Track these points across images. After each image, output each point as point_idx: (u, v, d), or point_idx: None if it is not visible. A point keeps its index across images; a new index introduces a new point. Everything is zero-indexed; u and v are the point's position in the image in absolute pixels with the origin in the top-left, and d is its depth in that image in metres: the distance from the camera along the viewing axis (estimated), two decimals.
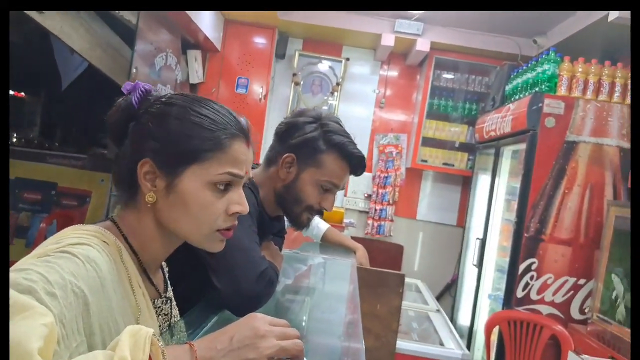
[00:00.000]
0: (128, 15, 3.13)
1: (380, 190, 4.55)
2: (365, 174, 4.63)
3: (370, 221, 4.56)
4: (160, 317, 0.83)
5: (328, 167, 1.27)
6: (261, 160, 1.40)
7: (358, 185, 4.67)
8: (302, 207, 1.29)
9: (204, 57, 4.25)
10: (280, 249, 1.47)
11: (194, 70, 4.10)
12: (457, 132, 4.44)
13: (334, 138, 1.28)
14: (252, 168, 1.37)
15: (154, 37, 3.37)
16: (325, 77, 4.68)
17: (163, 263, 0.92)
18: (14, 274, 0.56)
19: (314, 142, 1.27)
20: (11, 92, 9.96)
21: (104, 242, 0.71)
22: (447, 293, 4.54)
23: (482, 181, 3.99)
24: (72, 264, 0.62)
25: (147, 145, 0.76)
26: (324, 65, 4.67)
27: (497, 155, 3.55)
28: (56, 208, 4.62)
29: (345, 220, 3.44)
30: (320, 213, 1.33)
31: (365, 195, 4.66)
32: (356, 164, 1.31)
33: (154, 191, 0.75)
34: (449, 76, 4.48)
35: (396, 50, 4.41)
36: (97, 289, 0.64)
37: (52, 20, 2.80)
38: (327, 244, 2.20)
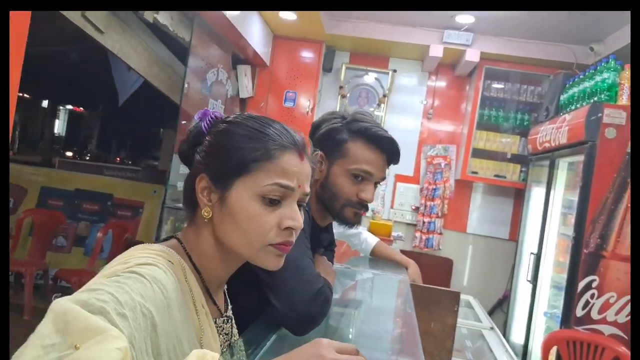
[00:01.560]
0: (182, 33, 3.25)
1: (428, 203, 4.47)
2: (413, 185, 4.60)
3: (418, 234, 4.49)
4: (221, 336, 0.82)
5: (355, 154, 1.24)
6: None
7: (405, 197, 4.61)
8: (340, 202, 1.26)
9: (253, 72, 4.34)
10: (332, 263, 1.45)
11: (244, 85, 4.20)
12: (508, 143, 4.32)
13: (356, 124, 1.25)
14: None
15: (206, 54, 3.48)
16: (371, 89, 4.68)
17: None
18: (86, 294, 0.56)
19: (337, 134, 1.25)
20: (70, 107, 10.54)
21: (169, 261, 0.71)
22: (499, 309, 4.39)
23: (536, 194, 3.85)
24: (141, 285, 0.62)
25: (203, 162, 0.78)
26: (370, 77, 4.67)
27: (552, 167, 3.42)
28: (112, 218, 4.82)
29: (394, 234, 3.40)
30: (365, 207, 1.29)
31: (413, 207, 4.59)
32: (386, 147, 1.26)
33: (209, 206, 0.76)
34: (500, 86, 4.37)
35: (444, 61, 4.36)
36: (164, 310, 0.64)
37: (111, 40, 2.94)
38: (376, 258, 2.17)
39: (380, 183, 1.35)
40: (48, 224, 4.52)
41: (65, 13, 2.50)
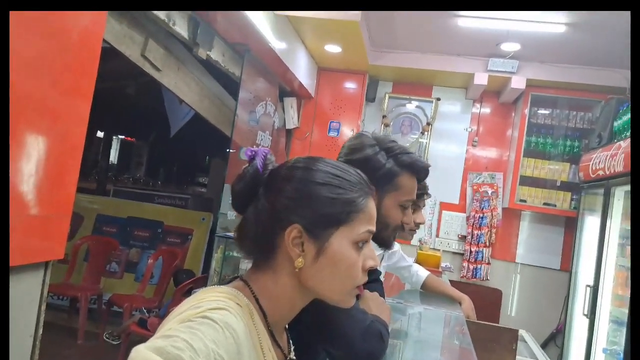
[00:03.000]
0: (233, 68, 3.39)
1: (475, 232, 4.39)
2: (459, 214, 4.54)
3: (465, 264, 4.40)
4: None
5: (405, 187, 1.29)
6: None
7: (451, 226, 4.55)
8: (389, 230, 1.30)
9: (298, 104, 4.45)
10: (382, 296, 1.40)
11: (290, 117, 4.30)
12: (557, 170, 4.22)
13: (403, 157, 1.30)
14: None
15: (254, 87, 3.60)
16: (414, 117, 4.70)
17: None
18: (162, 341, 0.58)
19: (385, 165, 1.29)
20: (122, 137, 11.04)
21: (238, 304, 0.72)
22: (552, 343, 4.21)
23: (590, 223, 3.71)
24: (213, 331, 0.63)
25: (293, 212, 0.78)
26: (412, 106, 4.69)
27: (608, 196, 3.30)
28: (162, 245, 4.96)
29: (442, 265, 3.35)
30: (403, 228, 1.36)
31: (459, 236, 4.52)
32: (423, 175, 1.35)
33: (302, 255, 0.76)
34: (547, 112, 4.30)
35: (489, 88, 4.33)
36: (235, 356, 0.65)
37: (167, 77, 3.10)
38: (428, 292, 2.14)
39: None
40: (102, 250, 4.70)
41: (127, 53, 2.66)
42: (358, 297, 1.26)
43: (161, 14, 2.52)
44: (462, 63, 4.15)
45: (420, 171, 1.31)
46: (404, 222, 1.32)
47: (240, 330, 0.68)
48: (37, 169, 1.44)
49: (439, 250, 4.26)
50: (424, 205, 1.96)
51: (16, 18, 1.31)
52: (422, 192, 1.90)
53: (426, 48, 4.12)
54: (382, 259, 2.00)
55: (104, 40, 2.02)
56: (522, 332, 3.65)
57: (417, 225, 1.89)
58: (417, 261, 2.96)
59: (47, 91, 1.46)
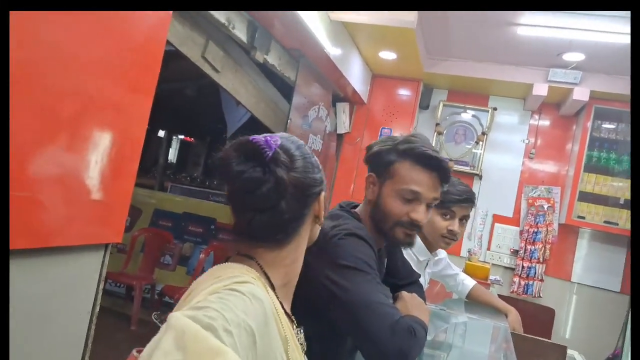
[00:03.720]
0: (288, 72, 3.48)
1: (529, 247, 4.24)
2: (512, 227, 4.40)
3: (516, 279, 4.26)
4: (299, 346, 0.85)
5: (403, 175, 1.22)
6: None
7: (503, 239, 4.42)
8: (390, 222, 1.24)
9: (351, 109, 4.49)
10: (422, 299, 1.39)
11: (342, 122, 4.35)
12: (621, 187, 4.00)
13: (403, 146, 1.24)
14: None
15: (308, 92, 3.68)
16: (469, 126, 4.61)
17: None
18: (194, 312, 0.60)
19: (386, 155, 1.26)
20: (182, 137, 11.50)
21: (254, 278, 0.75)
22: None
23: None
24: (242, 302, 0.66)
25: (314, 183, 0.88)
26: (467, 115, 4.61)
27: None
28: (214, 241, 5.13)
29: (491, 277, 3.26)
30: (415, 227, 1.24)
31: (511, 250, 4.38)
32: (435, 166, 1.23)
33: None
34: (611, 126, 4.10)
35: (549, 99, 4.19)
36: (262, 325, 0.69)
37: (226, 79, 3.22)
38: (473, 302, 2.11)
39: (431, 204, 1.29)
40: (157, 243, 4.92)
41: (188, 54, 2.79)
42: (395, 297, 1.28)
43: (222, 18, 2.63)
44: (521, 73, 4.04)
45: (423, 158, 1.22)
46: (412, 218, 1.22)
47: (266, 301, 0.71)
48: (101, 158, 1.56)
49: (488, 263, 4.15)
50: (464, 216, 1.79)
51: (83, 19, 1.43)
52: (457, 199, 1.75)
53: (483, 57, 4.05)
54: (426, 265, 1.98)
55: (167, 42, 2.14)
56: (573, 353, 3.49)
57: (452, 233, 1.76)
58: (465, 272, 2.91)
59: (113, 88, 1.58)
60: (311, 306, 1.03)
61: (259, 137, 0.80)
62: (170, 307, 4.38)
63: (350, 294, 1.07)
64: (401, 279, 1.47)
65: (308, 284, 1.01)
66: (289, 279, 0.86)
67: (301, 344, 0.86)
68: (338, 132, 4.42)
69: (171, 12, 1.82)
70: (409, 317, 1.11)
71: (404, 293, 1.29)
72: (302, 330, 0.90)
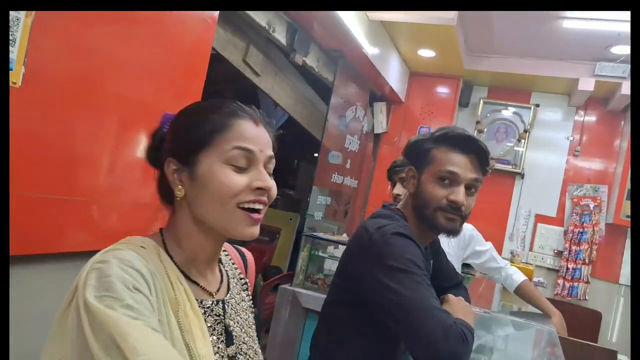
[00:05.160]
0: (326, 74, 3.49)
1: (573, 247, 4.11)
2: (555, 227, 4.28)
3: (560, 281, 4.13)
4: (210, 317, 0.83)
5: (440, 158, 1.24)
6: None
7: (547, 240, 4.30)
8: (430, 208, 1.24)
9: (388, 109, 4.46)
10: (467, 301, 1.38)
11: (379, 122, 4.32)
12: None
13: (438, 133, 1.27)
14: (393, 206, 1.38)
15: (346, 92, 3.68)
16: (511, 123, 4.50)
17: (228, 267, 0.97)
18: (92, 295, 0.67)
19: (423, 144, 1.29)
20: None
21: (141, 247, 0.78)
22: None
23: None
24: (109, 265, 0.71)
25: (167, 149, 0.84)
26: (509, 112, 4.50)
27: None
28: (251, 242, 5.19)
29: (535, 279, 3.18)
30: (457, 210, 1.22)
31: (555, 251, 4.25)
32: (470, 146, 1.23)
33: (181, 185, 0.81)
34: None
35: (595, 94, 4.04)
36: (140, 278, 0.72)
37: (266, 82, 3.26)
38: (520, 298, 2.07)
39: (471, 187, 1.25)
40: None
41: (230, 59, 2.84)
42: (442, 300, 1.27)
43: (262, 21, 2.67)
44: (566, 68, 3.92)
45: (457, 140, 1.24)
46: (450, 200, 1.22)
47: (137, 261, 0.73)
48: None
49: (531, 264, 4.05)
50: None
51: (135, 27, 1.48)
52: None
53: (525, 52, 3.94)
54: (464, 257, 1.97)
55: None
56: (623, 358, 3.37)
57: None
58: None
59: (163, 94, 1.62)
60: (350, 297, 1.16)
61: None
62: None
63: (404, 299, 1.08)
64: (446, 280, 1.47)
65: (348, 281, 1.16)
66: (188, 249, 0.84)
67: (217, 316, 0.85)
68: (375, 132, 4.40)
69: (217, 17, 1.86)
70: (460, 323, 1.11)
71: (451, 296, 1.29)
72: (225, 305, 0.87)
